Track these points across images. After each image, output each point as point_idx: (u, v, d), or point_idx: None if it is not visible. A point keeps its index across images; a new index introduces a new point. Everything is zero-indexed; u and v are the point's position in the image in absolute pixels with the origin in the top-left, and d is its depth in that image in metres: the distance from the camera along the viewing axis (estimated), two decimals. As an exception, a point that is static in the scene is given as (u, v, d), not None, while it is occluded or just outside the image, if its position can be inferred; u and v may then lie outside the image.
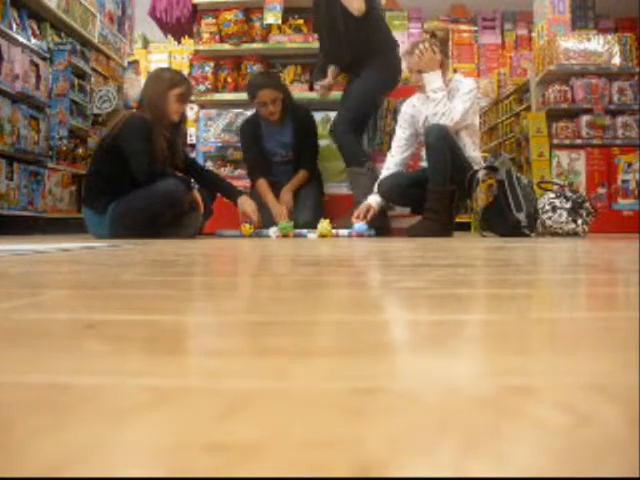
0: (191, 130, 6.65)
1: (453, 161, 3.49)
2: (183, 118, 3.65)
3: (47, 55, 4.87)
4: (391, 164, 3.76)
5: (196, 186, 3.59)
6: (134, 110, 3.61)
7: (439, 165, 3.48)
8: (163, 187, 3.25)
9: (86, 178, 3.67)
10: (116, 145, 3.31)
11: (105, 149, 3.39)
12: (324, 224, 3.49)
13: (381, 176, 3.75)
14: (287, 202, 3.88)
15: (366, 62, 3.90)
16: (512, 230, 3.47)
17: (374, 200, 3.71)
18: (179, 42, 6.94)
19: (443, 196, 3.51)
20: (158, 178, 3.28)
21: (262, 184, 3.95)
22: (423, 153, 3.83)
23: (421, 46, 3.62)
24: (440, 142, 3.46)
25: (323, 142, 4.35)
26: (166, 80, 3.46)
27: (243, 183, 4.19)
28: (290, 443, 0.23)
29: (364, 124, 4.14)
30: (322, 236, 3.45)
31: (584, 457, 0.22)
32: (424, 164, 3.80)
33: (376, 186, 3.73)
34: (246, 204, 3.60)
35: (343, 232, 3.56)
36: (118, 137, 3.32)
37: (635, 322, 0.50)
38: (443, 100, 3.54)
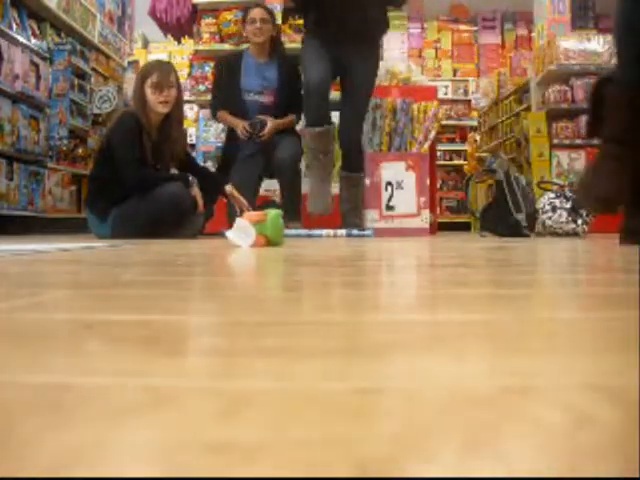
0: (191, 130, 6.64)
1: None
2: (175, 109, 3.37)
3: (47, 55, 4.87)
4: None
5: (195, 182, 3.46)
6: (127, 108, 3.57)
7: None
8: (167, 193, 3.17)
9: (88, 181, 3.64)
10: (110, 147, 3.27)
11: (103, 151, 3.36)
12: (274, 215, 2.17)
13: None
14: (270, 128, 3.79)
15: (360, 47, 3.66)
16: (511, 230, 3.47)
17: None
18: (179, 42, 6.94)
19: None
20: (155, 182, 3.22)
21: (223, 113, 3.89)
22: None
23: None
24: None
25: None
26: (140, 71, 3.43)
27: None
28: (290, 443, 0.23)
29: None
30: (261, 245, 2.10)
31: (584, 457, 0.22)
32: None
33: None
34: (234, 191, 3.49)
35: (342, 232, 3.55)
36: (110, 138, 3.29)
37: (635, 322, 0.50)
38: None
